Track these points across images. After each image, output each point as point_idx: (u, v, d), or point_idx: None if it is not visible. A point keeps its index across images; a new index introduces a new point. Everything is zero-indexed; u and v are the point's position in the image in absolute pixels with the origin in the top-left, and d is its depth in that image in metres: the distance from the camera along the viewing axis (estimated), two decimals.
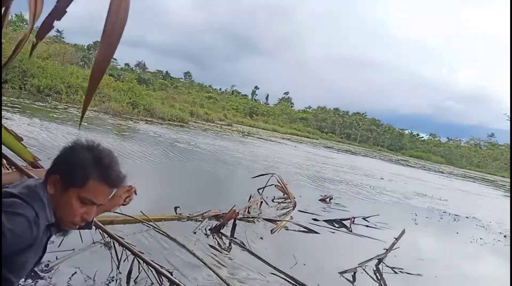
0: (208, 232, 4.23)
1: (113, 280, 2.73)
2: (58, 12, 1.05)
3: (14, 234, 1.01)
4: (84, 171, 1.15)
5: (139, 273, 2.70)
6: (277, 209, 6.06)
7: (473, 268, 5.67)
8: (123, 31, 0.90)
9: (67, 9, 1.08)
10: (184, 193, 6.30)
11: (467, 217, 9.66)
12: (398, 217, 7.89)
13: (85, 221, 1.20)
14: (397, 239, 4.41)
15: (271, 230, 4.79)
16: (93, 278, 2.68)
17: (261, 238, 4.47)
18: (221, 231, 4.29)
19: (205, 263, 2.67)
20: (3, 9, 1.23)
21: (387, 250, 4.29)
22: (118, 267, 2.82)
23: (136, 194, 1.62)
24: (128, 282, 2.74)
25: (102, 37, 0.86)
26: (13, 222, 1.02)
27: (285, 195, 6.78)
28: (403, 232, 4.50)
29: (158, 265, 2.62)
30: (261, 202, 6.02)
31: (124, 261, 2.82)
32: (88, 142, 1.20)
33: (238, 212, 4.51)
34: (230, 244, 4.06)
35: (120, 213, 3.44)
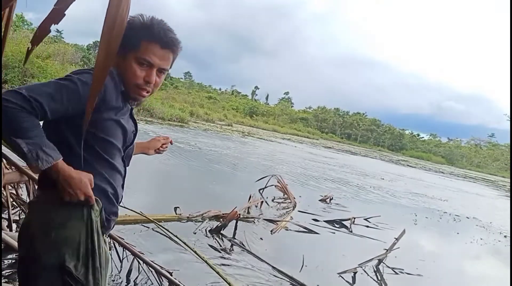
0: (208, 233, 4.22)
1: (113, 281, 2.72)
2: (57, 15, 1.00)
3: (85, 83, 1.12)
4: (136, 34, 1.22)
5: (139, 273, 2.70)
6: (277, 210, 6.06)
7: (474, 268, 5.66)
8: (123, 32, 0.85)
9: (65, 12, 1.02)
10: (184, 194, 6.29)
11: (467, 218, 9.65)
12: (398, 217, 7.88)
13: (148, 84, 1.26)
14: (397, 239, 4.41)
15: (271, 231, 4.79)
16: None
17: (261, 238, 4.47)
18: (221, 232, 4.29)
19: (206, 262, 2.67)
20: (5, 10, 1.21)
21: (387, 250, 4.29)
22: (118, 267, 2.82)
23: (172, 144, 1.77)
24: (128, 282, 2.73)
25: (101, 39, 0.81)
26: (82, 75, 1.15)
27: (285, 196, 6.78)
28: (403, 232, 4.50)
29: (158, 265, 2.62)
30: (261, 203, 6.02)
31: (124, 261, 2.82)
32: (142, 15, 1.27)
33: (240, 214, 4.51)
34: (231, 245, 4.05)
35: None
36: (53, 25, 1.02)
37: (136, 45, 1.22)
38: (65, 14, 0.99)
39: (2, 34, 1.24)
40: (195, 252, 2.76)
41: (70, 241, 1.15)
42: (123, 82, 1.25)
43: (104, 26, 0.80)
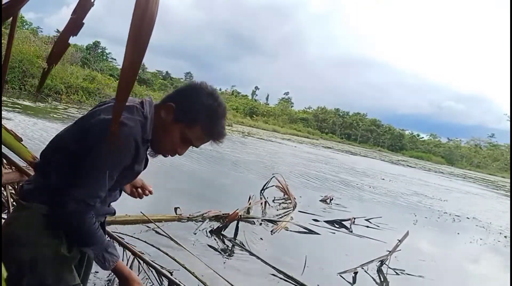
0: (209, 233, 4.22)
1: (113, 280, 2.72)
2: (75, 25, 0.88)
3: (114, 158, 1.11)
4: (198, 115, 1.20)
5: (139, 273, 2.69)
6: (277, 210, 6.05)
7: (474, 268, 5.66)
8: (152, 31, 0.73)
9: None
10: (186, 193, 6.28)
11: (467, 218, 9.65)
12: (398, 217, 7.88)
13: (175, 155, 1.27)
14: (400, 241, 4.38)
15: (271, 231, 4.78)
16: (93, 278, 2.67)
17: (261, 238, 4.47)
18: (222, 232, 4.29)
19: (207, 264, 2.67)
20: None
21: (389, 252, 4.26)
22: None
23: (149, 194, 1.61)
24: None
25: (128, 40, 0.70)
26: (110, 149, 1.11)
27: (286, 196, 6.78)
28: (407, 234, 4.46)
29: (158, 265, 2.62)
30: (261, 203, 6.01)
31: (124, 261, 2.82)
32: (211, 89, 1.27)
33: (240, 215, 4.50)
34: (232, 245, 4.05)
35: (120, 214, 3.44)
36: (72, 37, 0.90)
37: (191, 124, 1.21)
38: (83, 23, 0.88)
39: (8, 38, 1.21)
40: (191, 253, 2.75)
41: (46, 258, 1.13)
42: (155, 136, 1.22)
43: (131, 24, 0.71)
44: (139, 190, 1.57)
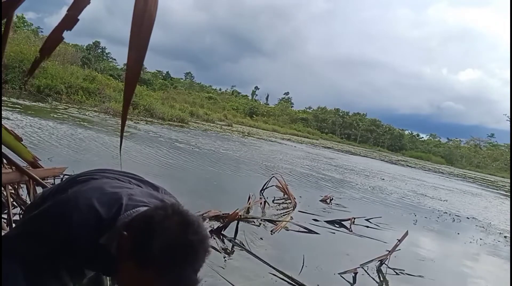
0: (209, 233, 4.22)
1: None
2: (69, 21, 0.89)
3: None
4: (152, 255, 0.88)
5: None
6: (277, 210, 6.06)
7: (474, 268, 5.66)
8: (152, 30, 0.76)
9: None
10: (185, 193, 6.28)
11: (467, 218, 9.65)
12: (398, 217, 7.88)
13: None
14: (400, 240, 4.38)
15: (271, 231, 4.78)
16: None
17: (261, 238, 4.47)
18: (222, 232, 4.29)
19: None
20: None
21: (389, 251, 4.26)
22: None
23: None
24: None
25: (130, 40, 0.72)
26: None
27: (285, 196, 6.78)
28: (406, 234, 4.46)
29: None
30: (261, 203, 6.02)
31: None
32: (186, 218, 0.94)
33: (240, 215, 4.50)
34: (232, 245, 4.05)
35: None
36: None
37: (142, 265, 0.90)
38: (78, 19, 0.89)
39: (2, 35, 1.22)
40: None
41: None
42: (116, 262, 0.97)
43: (132, 24, 0.72)
44: None
